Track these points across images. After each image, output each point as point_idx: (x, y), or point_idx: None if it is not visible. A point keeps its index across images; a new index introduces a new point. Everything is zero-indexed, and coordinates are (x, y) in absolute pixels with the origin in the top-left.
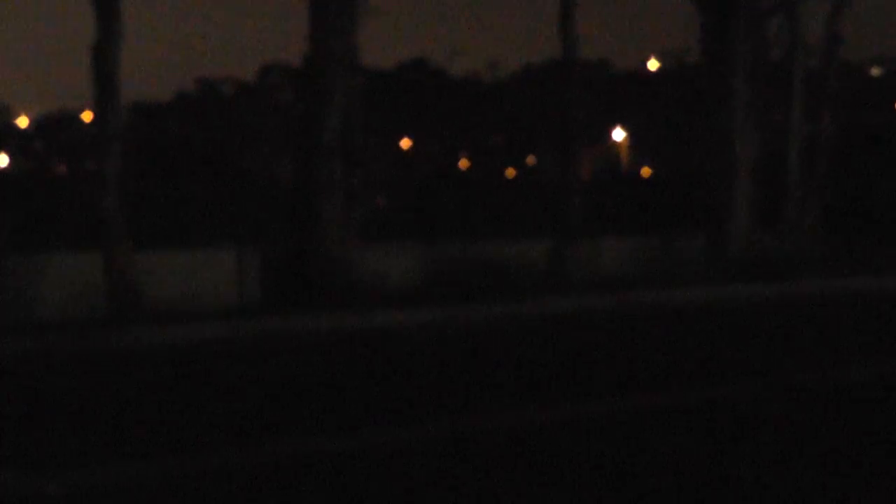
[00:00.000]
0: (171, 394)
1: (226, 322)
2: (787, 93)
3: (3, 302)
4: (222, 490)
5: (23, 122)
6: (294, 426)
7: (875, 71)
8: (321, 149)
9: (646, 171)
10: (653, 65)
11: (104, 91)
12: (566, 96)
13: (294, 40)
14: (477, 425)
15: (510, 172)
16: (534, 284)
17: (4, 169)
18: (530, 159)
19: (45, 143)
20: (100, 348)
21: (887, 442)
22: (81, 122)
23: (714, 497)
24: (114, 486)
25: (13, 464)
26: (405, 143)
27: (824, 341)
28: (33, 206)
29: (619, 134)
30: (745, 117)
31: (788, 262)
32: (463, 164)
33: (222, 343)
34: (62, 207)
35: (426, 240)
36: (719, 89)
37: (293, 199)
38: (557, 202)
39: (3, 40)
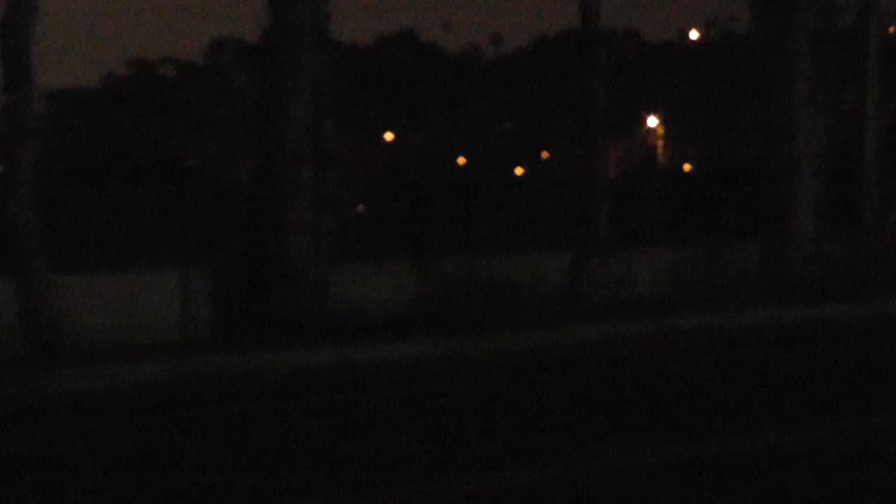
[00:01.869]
0: (84, 456)
1: (167, 360)
2: (859, 68)
3: None
4: None
5: None
6: (252, 489)
7: None
8: (285, 143)
9: (687, 167)
10: (694, 36)
11: (16, 76)
12: (587, 76)
13: (250, 10)
14: (476, 487)
15: (519, 170)
16: (550, 308)
17: None
18: (544, 154)
19: None
20: (9, 396)
21: None
22: None
23: None
24: None
25: None
26: (390, 136)
27: None
28: None
29: (653, 121)
30: (809, 98)
31: (866, 276)
32: (461, 160)
33: (162, 387)
34: None
35: (417, 255)
36: (776, 65)
37: (251, 206)
38: (579, 206)
39: None
